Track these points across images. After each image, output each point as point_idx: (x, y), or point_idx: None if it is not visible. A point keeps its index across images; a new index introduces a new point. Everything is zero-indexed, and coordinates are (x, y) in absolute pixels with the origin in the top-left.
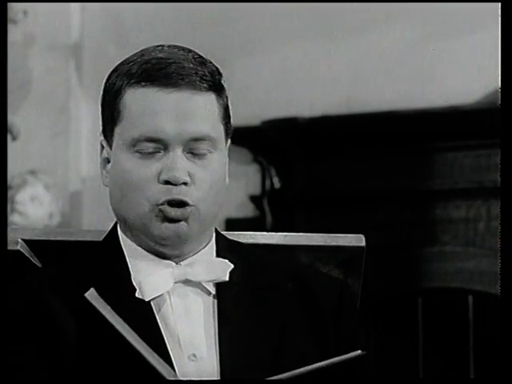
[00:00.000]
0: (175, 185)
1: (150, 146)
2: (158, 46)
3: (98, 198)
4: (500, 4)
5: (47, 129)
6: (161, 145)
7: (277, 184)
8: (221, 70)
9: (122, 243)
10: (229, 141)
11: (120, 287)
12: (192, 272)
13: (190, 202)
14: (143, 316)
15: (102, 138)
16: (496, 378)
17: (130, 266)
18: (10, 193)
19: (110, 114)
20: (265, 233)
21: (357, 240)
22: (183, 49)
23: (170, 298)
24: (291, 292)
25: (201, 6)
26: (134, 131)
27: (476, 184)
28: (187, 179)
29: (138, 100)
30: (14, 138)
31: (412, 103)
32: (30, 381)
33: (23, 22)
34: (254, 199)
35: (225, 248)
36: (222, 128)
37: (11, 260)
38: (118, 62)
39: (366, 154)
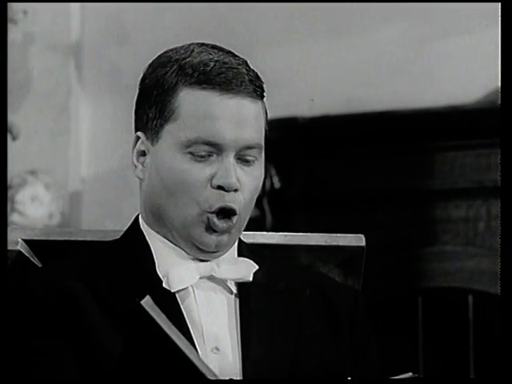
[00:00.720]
0: (228, 191)
1: (205, 150)
2: (201, 45)
3: (97, 197)
4: (500, 4)
5: (47, 129)
6: (215, 149)
7: (277, 184)
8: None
9: (146, 235)
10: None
11: (145, 279)
12: (218, 269)
13: (237, 210)
14: (169, 307)
15: (139, 131)
16: (496, 377)
17: (155, 257)
18: (9, 192)
19: (160, 109)
20: (265, 232)
21: (357, 240)
22: (227, 51)
23: (194, 292)
24: (309, 298)
25: (201, 6)
26: (190, 132)
27: (476, 184)
28: (238, 186)
29: (196, 102)
30: (14, 138)
31: (412, 103)
32: (60, 369)
33: (23, 22)
34: None
35: (245, 250)
36: (264, 136)
37: (11, 260)
38: (159, 57)
39: (366, 154)
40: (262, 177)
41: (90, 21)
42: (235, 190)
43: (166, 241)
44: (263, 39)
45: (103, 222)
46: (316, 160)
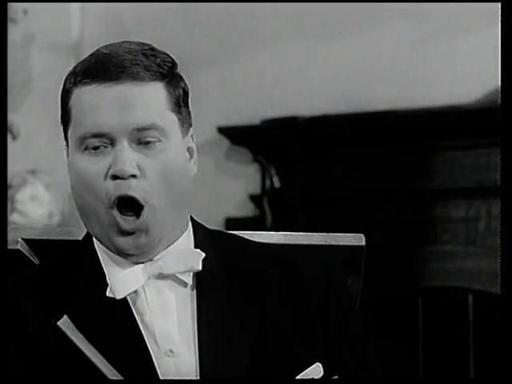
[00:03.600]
0: (124, 178)
1: (96, 141)
2: (110, 44)
3: None
4: (500, 4)
5: (47, 128)
6: (106, 139)
7: (277, 183)
8: (176, 61)
9: (95, 243)
10: (190, 131)
11: (96, 287)
12: (164, 265)
13: (140, 198)
14: (120, 314)
15: (65, 143)
16: (496, 377)
17: (103, 265)
18: (9, 192)
19: (63, 116)
20: (264, 232)
21: (357, 239)
22: (134, 43)
23: (145, 294)
24: (273, 279)
25: (200, 5)
26: (80, 129)
27: (476, 183)
28: (135, 172)
29: (81, 98)
30: (14, 138)
31: (412, 103)
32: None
33: (23, 22)
34: (254, 199)
35: (203, 237)
36: (173, 117)
37: (11, 259)
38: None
39: (366, 154)
40: (180, 161)
41: (89, 21)
42: (133, 176)
43: (106, 247)
44: (263, 39)
45: None
46: (316, 160)
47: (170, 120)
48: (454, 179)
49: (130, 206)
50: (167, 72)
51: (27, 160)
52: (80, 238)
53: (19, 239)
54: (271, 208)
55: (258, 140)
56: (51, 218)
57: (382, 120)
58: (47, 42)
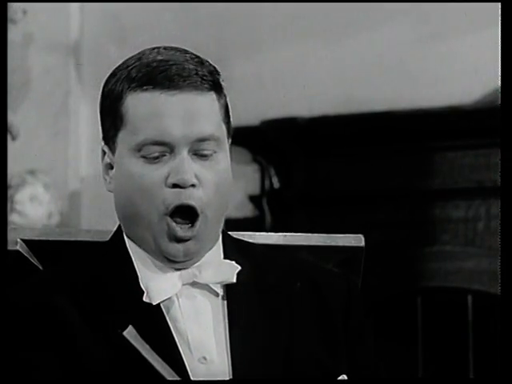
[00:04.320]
0: (184, 187)
1: (156, 150)
2: (154, 49)
3: (97, 197)
4: (500, 4)
5: (46, 129)
6: (167, 148)
7: (276, 184)
8: (219, 69)
9: (128, 246)
10: (230, 140)
11: (129, 291)
12: (199, 274)
13: (198, 207)
14: (154, 320)
15: (103, 144)
16: (495, 377)
17: (137, 270)
18: (9, 192)
19: (112, 119)
20: (264, 233)
21: (356, 240)
22: (180, 50)
23: (178, 301)
24: (300, 292)
25: (200, 5)
26: (138, 136)
27: (475, 183)
28: (195, 181)
29: (140, 104)
30: (13, 138)
31: (412, 103)
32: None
33: (22, 22)
34: (254, 199)
35: (232, 248)
36: (224, 127)
37: (10, 260)
38: (115, 67)
39: (366, 154)
40: (228, 170)
41: (89, 21)
42: (192, 186)
43: (144, 252)
44: (263, 39)
45: (102, 222)
46: (315, 160)
47: (222, 131)
48: (453, 179)
49: (186, 214)
50: (217, 81)
51: (26, 160)
52: (79, 239)
53: (18, 240)
54: (270, 208)
55: (258, 140)
56: (50, 218)
57: (382, 120)
58: (46, 42)
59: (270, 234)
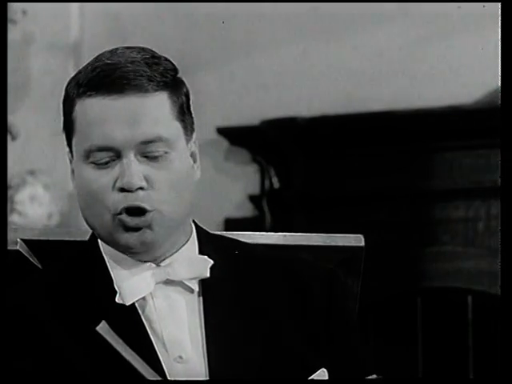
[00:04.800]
0: (131, 191)
1: (103, 156)
2: (112, 50)
3: None
4: (500, 4)
5: (46, 129)
6: (113, 153)
7: (276, 184)
8: (176, 66)
9: (101, 248)
10: (193, 137)
11: (103, 293)
12: (172, 272)
13: (149, 207)
14: (129, 321)
15: (67, 149)
16: (495, 378)
17: (110, 271)
18: (9, 193)
19: (67, 126)
20: (264, 233)
21: (356, 240)
22: (137, 50)
23: (153, 300)
24: (278, 285)
25: (200, 6)
26: (85, 143)
27: (475, 184)
28: (143, 184)
29: (86, 111)
30: (13, 138)
31: (411, 103)
32: None
33: (22, 22)
34: (253, 199)
35: (207, 243)
36: (178, 126)
37: (10, 260)
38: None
39: (366, 154)
40: (186, 168)
41: (89, 21)
42: (141, 189)
43: (115, 251)
44: (263, 40)
45: None
46: (315, 160)
47: (175, 129)
48: (453, 180)
49: (136, 212)
50: (170, 80)
51: (26, 161)
52: (79, 239)
53: (18, 240)
54: (270, 208)
55: (258, 140)
56: (50, 218)
57: (382, 120)
58: (46, 43)
59: (269, 233)
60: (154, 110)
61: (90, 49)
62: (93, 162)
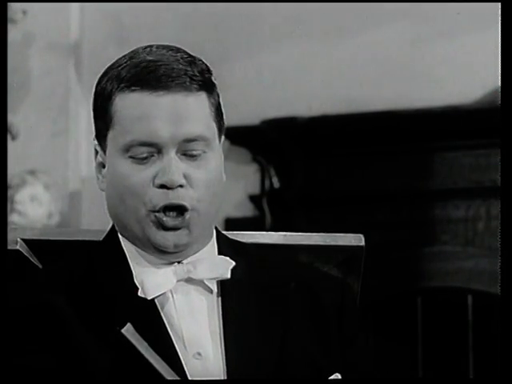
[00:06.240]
0: (171, 188)
1: (144, 151)
2: (146, 48)
3: (97, 197)
4: (500, 4)
5: (47, 129)
6: (154, 148)
7: (276, 184)
8: (210, 68)
9: (122, 244)
10: (222, 138)
11: (124, 288)
12: (194, 270)
13: (188, 205)
14: (148, 315)
15: (96, 142)
16: (495, 378)
17: (131, 266)
18: (9, 192)
19: (102, 119)
20: (264, 232)
21: (356, 240)
22: (172, 49)
23: (173, 297)
24: (294, 291)
25: (200, 5)
26: (126, 136)
27: (475, 184)
28: (183, 181)
29: (129, 105)
30: (13, 138)
31: (411, 103)
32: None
33: (22, 22)
34: (254, 199)
35: (225, 246)
36: (214, 126)
37: (11, 260)
38: (108, 66)
39: (366, 154)
40: (220, 168)
41: (89, 21)
42: (180, 186)
43: (137, 248)
44: (263, 39)
45: (102, 222)
46: (315, 160)
47: (213, 129)
48: (453, 179)
49: (175, 209)
50: (208, 81)
51: (26, 160)
52: (79, 239)
53: (18, 239)
54: (270, 208)
55: (258, 140)
56: (50, 218)
57: (382, 120)
58: (46, 43)
59: (270, 233)
60: (196, 109)
61: (90, 49)
62: (131, 157)
